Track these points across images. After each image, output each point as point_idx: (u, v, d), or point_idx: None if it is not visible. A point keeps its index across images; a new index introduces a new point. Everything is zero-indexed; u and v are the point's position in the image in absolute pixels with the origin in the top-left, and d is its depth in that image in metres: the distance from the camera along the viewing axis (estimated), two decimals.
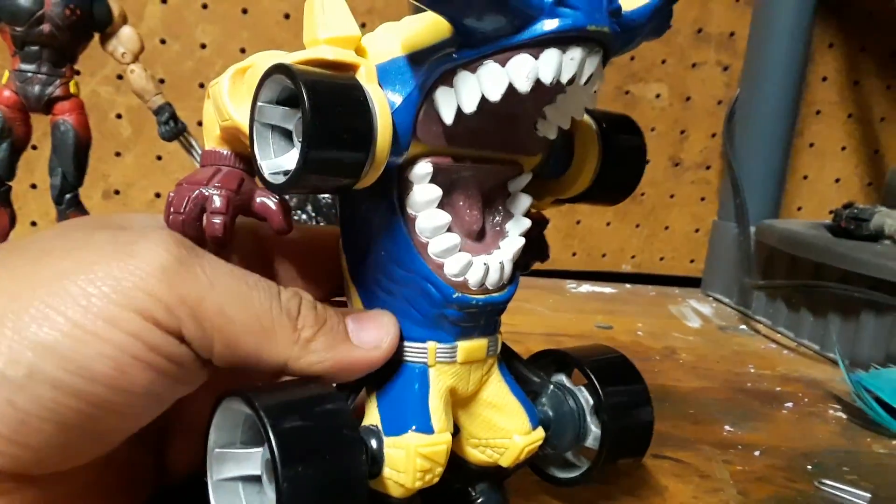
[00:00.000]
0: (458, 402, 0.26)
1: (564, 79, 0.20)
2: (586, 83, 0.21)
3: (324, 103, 0.19)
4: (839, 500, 0.35)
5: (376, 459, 0.24)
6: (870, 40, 0.86)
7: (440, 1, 0.19)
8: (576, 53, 0.20)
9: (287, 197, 0.26)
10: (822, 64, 0.87)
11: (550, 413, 0.28)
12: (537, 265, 0.30)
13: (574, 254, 0.86)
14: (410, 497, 0.25)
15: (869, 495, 0.35)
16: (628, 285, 0.84)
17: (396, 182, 0.23)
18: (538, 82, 0.20)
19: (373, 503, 0.24)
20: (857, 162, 0.90)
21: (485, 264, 0.23)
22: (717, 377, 0.52)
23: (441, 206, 0.23)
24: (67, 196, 0.46)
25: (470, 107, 0.21)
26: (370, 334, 0.23)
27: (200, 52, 0.78)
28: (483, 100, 0.20)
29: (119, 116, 0.78)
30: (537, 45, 0.19)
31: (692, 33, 0.84)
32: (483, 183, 0.24)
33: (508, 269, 0.24)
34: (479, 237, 0.24)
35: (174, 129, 0.48)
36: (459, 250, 0.23)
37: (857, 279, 0.56)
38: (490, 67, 0.20)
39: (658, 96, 0.85)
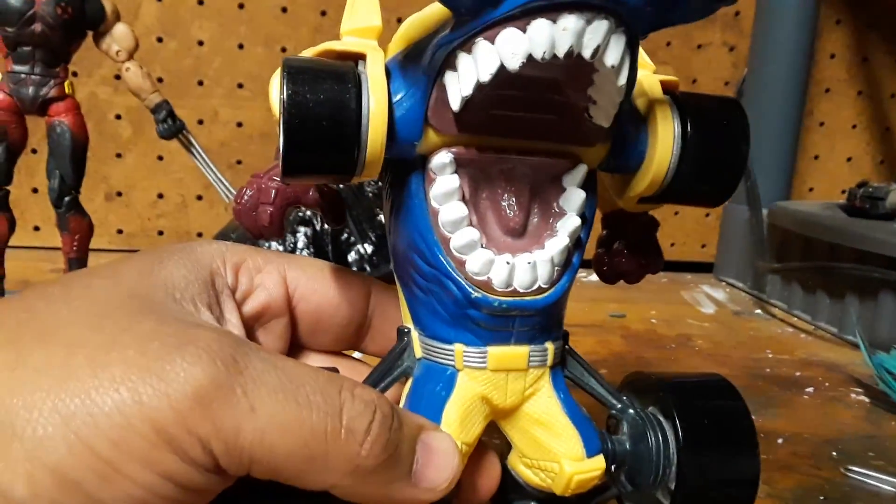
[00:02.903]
0: (501, 414, 0.24)
1: (560, 52, 0.18)
2: (593, 56, 0.18)
3: (301, 90, 0.19)
4: (868, 486, 0.34)
5: None
6: (877, 16, 0.85)
7: None
8: (568, 22, 0.17)
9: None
10: (830, 41, 0.85)
11: (627, 445, 0.25)
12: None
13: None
14: None
15: None
16: None
17: (422, 173, 0.22)
18: (533, 58, 0.18)
19: None
20: (869, 139, 0.88)
21: (508, 263, 0.21)
22: (735, 364, 0.51)
23: (475, 199, 0.22)
24: (66, 199, 0.46)
25: (466, 90, 0.19)
26: (432, 473, 0.21)
27: (198, 48, 0.77)
28: (483, 81, 0.19)
29: (118, 117, 0.77)
30: (524, 16, 0.18)
31: None
32: (528, 176, 0.22)
33: (545, 270, 0.22)
34: (520, 235, 0.22)
35: (172, 127, 0.47)
36: (486, 247, 0.22)
37: (874, 259, 0.55)
38: (481, 46, 0.18)
39: None
